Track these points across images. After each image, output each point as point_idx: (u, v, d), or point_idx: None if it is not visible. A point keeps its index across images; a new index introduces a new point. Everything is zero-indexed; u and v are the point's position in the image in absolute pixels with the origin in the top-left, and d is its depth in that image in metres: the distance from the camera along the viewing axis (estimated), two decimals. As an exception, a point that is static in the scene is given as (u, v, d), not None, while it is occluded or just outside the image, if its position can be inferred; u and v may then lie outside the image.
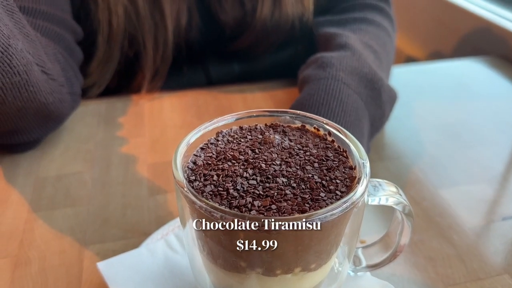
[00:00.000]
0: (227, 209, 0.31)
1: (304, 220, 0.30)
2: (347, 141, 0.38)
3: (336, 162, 0.37)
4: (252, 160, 0.36)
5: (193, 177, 0.35)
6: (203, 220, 0.33)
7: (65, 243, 0.53)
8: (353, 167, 0.37)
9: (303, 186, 0.33)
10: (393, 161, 0.66)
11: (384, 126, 0.68)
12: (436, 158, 0.68)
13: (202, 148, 0.38)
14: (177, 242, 0.50)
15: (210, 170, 0.35)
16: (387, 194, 0.38)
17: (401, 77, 0.90)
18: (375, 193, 0.38)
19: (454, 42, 1.12)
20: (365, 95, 0.60)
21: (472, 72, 0.94)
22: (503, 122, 0.77)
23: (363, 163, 0.36)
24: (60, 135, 0.71)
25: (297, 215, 0.31)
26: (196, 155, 0.38)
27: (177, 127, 0.74)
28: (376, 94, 0.61)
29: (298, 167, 0.35)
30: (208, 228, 0.32)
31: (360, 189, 0.33)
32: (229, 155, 0.36)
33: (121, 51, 0.80)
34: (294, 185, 0.33)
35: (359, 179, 0.34)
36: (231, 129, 0.41)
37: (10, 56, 0.51)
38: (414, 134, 0.73)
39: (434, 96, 0.85)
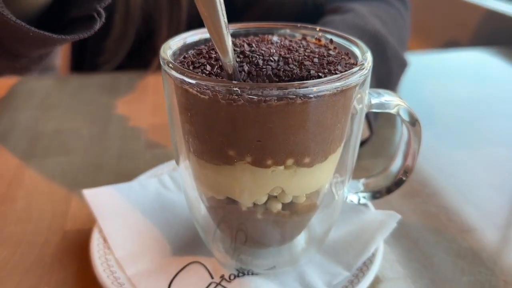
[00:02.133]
0: (214, 78, 0.29)
1: (294, 88, 0.28)
2: (349, 44, 0.36)
3: (338, 58, 0.34)
4: (248, 53, 0.33)
5: (180, 64, 0.33)
6: (191, 100, 0.30)
7: (54, 185, 0.50)
8: (356, 62, 0.34)
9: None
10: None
11: (395, 90, 0.65)
12: (451, 126, 0.64)
13: (194, 50, 0.36)
14: (171, 182, 0.47)
15: (200, 58, 0.33)
16: (390, 99, 0.35)
17: (413, 64, 0.88)
18: (379, 97, 0.35)
19: (465, 36, 1.10)
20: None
21: (485, 61, 0.91)
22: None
23: (365, 56, 0.33)
24: (62, 99, 0.70)
25: (288, 83, 0.28)
26: (187, 54, 0.36)
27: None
28: (381, 49, 0.58)
29: (297, 63, 0.33)
30: (196, 106, 0.30)
31: (359, 70, 0.30)
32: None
33: (136, 29, 0.80)
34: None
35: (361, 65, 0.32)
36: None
37: None
38: (428, 107, 0.70)
39: (448, 81, 0.82)
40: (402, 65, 0.64)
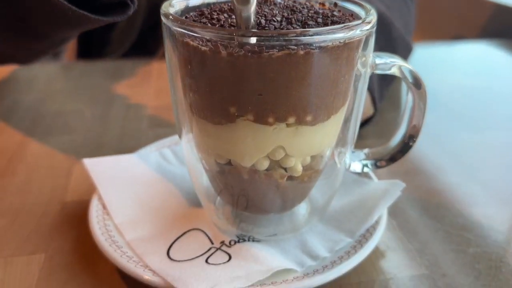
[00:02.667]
0: (215, 27, 0.28)
1: (296, 35, 0.27)
2: (353, 6, 0.35)
3: (342, 19, 0.34)
4: None
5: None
6: (191, 53, 0.30)
7: (55, 161, 0.50)
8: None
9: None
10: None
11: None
12: (455, 110, 0.64)
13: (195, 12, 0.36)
14: (172, 156, 0.46)
15: (202, 18, 0.32)
16: (395, 61, 0.35)
17: (419, 55, 0.87)
18: (384, 58, 0.35)
19: (472, 31, 1.10)
20: None
21: (491, 53, 0.90)
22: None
23: (370, 14, 0.32)
24: (66, 83, 0.70)
25: (290, 30, 0.28)
26: (188, 14, 0.35)
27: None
28: (386, 30, 0.57)
29: (300, 23, 0.32)
30: (196, 59, 0.30)
31: (362, 23, 0.30)
32: (226, 7, 0.34)
33: (142, 20, 0.80)
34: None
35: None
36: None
37: None
38: (434, 94, 0.68)
39: (453, 71, 0.81)
40: (408, 48, 0.63)
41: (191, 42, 0.29)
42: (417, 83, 0.34)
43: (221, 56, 0.28)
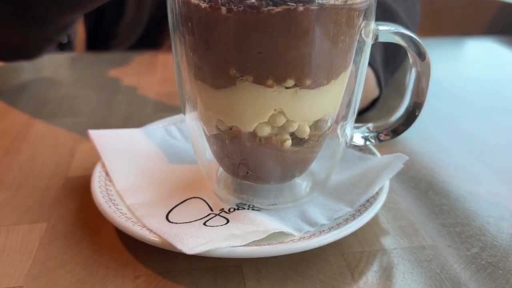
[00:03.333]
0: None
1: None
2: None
3: None
4: None
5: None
6: (192, 11, 0.30)
7: (59, 140, 0.50)
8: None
9: None
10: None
11: (403, 64, 0.64)
12: (461, 97, 0.63)
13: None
14: (177, 132, 0.47)
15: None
16: (399, 29, 0.34)
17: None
18: (386, 25, 0.34)
19: (478, 29, 1.09)
20: (376, 15, 0.56)
21: (496, 48, 0.90)
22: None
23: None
24: (72, 72, 0.71)
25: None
26: None
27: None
28: (389, 16, 0.57)
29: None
30: (197, 17, 0.30)
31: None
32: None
33: (149, 13, 0.81)
34: None
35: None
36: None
37: None
38: (440, 84, 0.69)
39: (458, 64, 0.81)
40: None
41: (192, 0, 0.29)
42: (420, 53, 0.34)
43: (221, 12, 0.28)
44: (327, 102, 0.33)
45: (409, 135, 0.51)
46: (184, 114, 0.38)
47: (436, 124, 0.54)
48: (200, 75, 0.33)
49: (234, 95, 0.31)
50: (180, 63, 0.35)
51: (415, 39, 0.34)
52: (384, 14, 0.58)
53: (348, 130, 0.38)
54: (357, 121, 0.53)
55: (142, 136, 0.44)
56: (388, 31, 0.34)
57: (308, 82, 0.31)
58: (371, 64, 0.50)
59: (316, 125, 0.34)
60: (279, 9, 0.27)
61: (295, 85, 0.31)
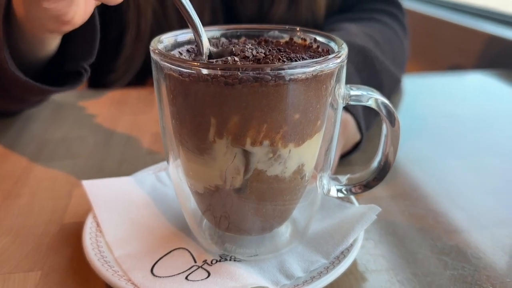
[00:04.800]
0: (192, 60, 0.31)
1: (270, 69, 0.30)
2: (328, 41, 0.38)
3: (316, 54, 0.36)
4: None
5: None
6: (173, 83, 0.33)
7: (57, 184, 0.53)
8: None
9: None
10: (403, 138, 0.64)
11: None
12: (446, 137, 0.66)
13: (182, 50, 0.39)
14: (167, 178, 0.49)
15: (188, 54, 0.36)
16: (370, 93, 0.37)
17: (416, 83, 0.90)
18: (360, 90, 0.37)
19: (468, 61, 1.12)
20: (356, 61, 0.59)
21: (485, 82, 0.92)
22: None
23: (341, 48, 0.35)
24: (71, 110, 0.74)
25: (263, 65, 0.30)
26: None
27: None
28: (369, 63, 0.60)
29: (275, 57, 0.35)
30: (178, 88, 0.32)
31: (332, 59, 0.32)
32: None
33: (146, 49, 0.83)
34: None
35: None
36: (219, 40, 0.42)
37: None
38: (426, 122, 0.71)
39: (448, 100, 0.83)
40: (394, 80, 0.66)
41: (174, 74, 0.32)
42: (391, 119, 0.37)
43: (200, 86, 0.31)
44: (302, 158, 0.36)
45: (390, 178, 0.53)
46: (168, 162, 0.40)
47: (417, 166, 0.57)
48: (181, 138, 0.35)
49: (213, 157, 0.34)
50: (164, 118, 0.37)
51: (386, 104, 0.36)
52: (364, 60, 0.61)
53: (325, 182, 0.40)
54: (341, 163, 0.56)
55: (133, 185, 0.46)
56: (360, 96, 0.36)
57: (283, 143, 0.33)
58: (351, 111, 0.53)
59: (294, 176, 0.36)
60: (252, 84, 0.30)
61: (271, 146, 0.33)
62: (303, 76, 0.31)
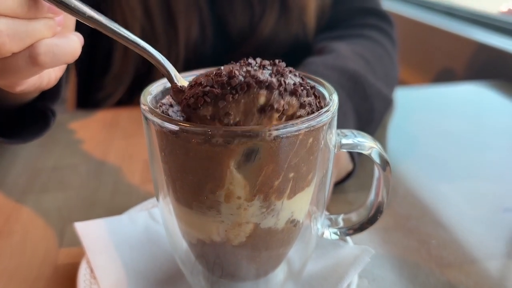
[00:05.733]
0: (183, 122, 0.31)
1: (259, 131, 0.30)
2: (318, 86, 0.38)
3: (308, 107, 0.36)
4: None
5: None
6: (165, 140, 0.33)
7: (49, 220, 0.53)
8: (323, 104, 0.36)
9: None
10: (395, 162, 0.65)
11: (379, 126, 0.67)
12: (438, 158, 0.66)
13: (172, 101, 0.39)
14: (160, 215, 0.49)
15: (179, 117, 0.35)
16: (361, 141, 0.37)
17: (408, 97, 0.90)
18: (350, 137, 0.37)
19: (462, 71, 1.12)
20: (347, 87, 0.60)
21: (478, 94, 0.93)
22: (504, 133, 0.75)
23: (331, 98, 0.35)
24: (62, 135, 0.73)
25: (253, 127, 0.30)
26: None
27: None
28: (360, 88, 0.61)
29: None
30: (169, 146, 0.32)
31: (324, 113, 0.32)
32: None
33: (135, 66, 0.83)
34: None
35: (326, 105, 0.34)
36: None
37: None
38: (418, 140, 0.71)
39: (440, 114, 0.83)
40: (386, 102, 0.66)
41: (164, 130, 0.32)
42: (384, 166, 0.37)
43: (191, 145, 0.31)
44: (295, 209, 0.36)
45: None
46: (158, 200, 0.40)
47: (410, 193, 0.57)
48: (172, 193, 0.35)
49: (205, 213, 0.34)
50: (154, 159, 0.37)
51: (378, 152, 0.36)
52: (355, 86, 0.61)
53: (319, 226, 0.40)
54: (335, 191, 0.56)
55: (126, 225, 0.46)
56: (352, 145, 0.36)
57: (275, 197, 0.33)
58: None
59: (287, 225, 0.36)
60: (243, 144, 0.30)
61: (263, 200, 0.33)
62: (296, 133, 0.31)
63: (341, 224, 0.41)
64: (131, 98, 0.88)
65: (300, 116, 0.32)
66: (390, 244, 0.48)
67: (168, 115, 0.36)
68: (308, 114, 0.33)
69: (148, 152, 0.38)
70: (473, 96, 0.92)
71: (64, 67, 0.42)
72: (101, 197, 0.57)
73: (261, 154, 0.31)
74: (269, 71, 0.32)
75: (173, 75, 0.35)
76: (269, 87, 0.31)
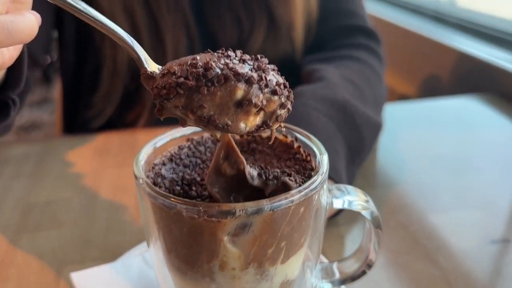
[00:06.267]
0: (176, 198, 0.32)
1: (253, 206, 0.30)
2: (310, 143, 0.39)
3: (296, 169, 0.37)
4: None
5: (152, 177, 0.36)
6: (158, 212, 0.33)
7: (44, 263, 0.53)
8: (313, 168, 0.37)
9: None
10: (384, 188, 0.66)
11: (370, 152, 0.67)
12: (427, 185, 0.67)
13: (165, 159, 0.39)
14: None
15: (172, 174, 0.36)
16: (353, 199, 0.38)
17: (396, 113, 0.91)
18: (341, 196, 0.38)
19: (449, 82, 1.14)
20: (336, 118, 0.60)
21: (467, 108, 0.94)
22: (494, 152, 0.76)
23: (321, 159, 0.36)
24: (53, 164, 0.73)
25: (244, 203, 0.31)
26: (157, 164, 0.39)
27: (169, 158, 0.75)
28: (350, 118, 0.62)
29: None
30: (163, 218, 0.33)
31: (313, 183, 0.33)
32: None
33: (124, 84, 0.83)
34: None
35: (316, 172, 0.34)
36: (202, 137, 0.42)
37: None
38: (407, 164, 0.72)
39: (429, 131, 0.84)
40: (375, 129, 0.67)
41: (157, 203, 0.33)
42: (376, 224, 0.38)
43: (184, 218, 0.32)
44: (288, 271, 0.37)
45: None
46: (148, 245, 0.40)
47: (400, 225, 0.58)
48: (167, 261, 0.36)
49: (200, 281, 0.35)
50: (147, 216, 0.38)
51: (370, 210, 0.37)
52: (344, 117, 0.62)
53: (313, 279, 0.41)
54: (328, 225, 0.57)
55: (120, 272, 0.47)
56: (340, 205, 0.37)
57: (268, 264, 0.34)
58: (334, 178, 0.54)
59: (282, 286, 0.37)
60: (237, 219, 0.31)
61: (257, 267, 0.34)
62: (289, 205, 0.32)
63: (337, 275, 0.42)
64: (120, 116, 0.88)
65: (279, 116, 0.31)
66: (386, 282, 0.49)
67: (162, 175, 0.37)
68: (302, 182, 0.34)
69: (141, 217, 0.38)
70: (463, 111, 0.93)
71: (19, 47, 0.39)
72: (95, 235, 0.57)
73: (255, 227, 0.32)
74: (250, 66, 0.31)
75: (143, 58, 0.34)
76: (248, 81, 0.29)
